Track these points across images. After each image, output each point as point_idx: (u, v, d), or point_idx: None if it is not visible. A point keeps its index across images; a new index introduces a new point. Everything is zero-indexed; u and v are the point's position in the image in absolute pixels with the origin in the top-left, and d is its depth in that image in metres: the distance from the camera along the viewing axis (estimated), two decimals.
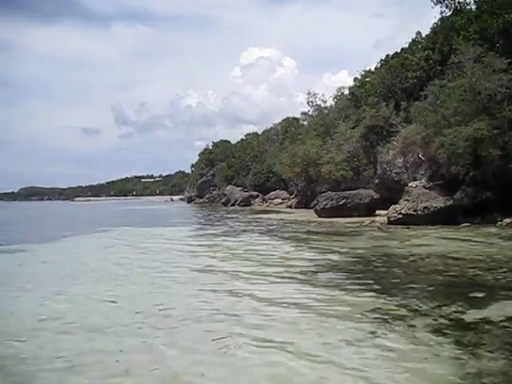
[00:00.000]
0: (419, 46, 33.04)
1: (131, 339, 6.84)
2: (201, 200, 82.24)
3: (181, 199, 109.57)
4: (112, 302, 9.17)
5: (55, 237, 23.21)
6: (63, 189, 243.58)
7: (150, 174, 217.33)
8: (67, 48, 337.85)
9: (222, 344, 6.41)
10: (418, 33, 34.76)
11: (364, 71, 40.42)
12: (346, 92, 44.75)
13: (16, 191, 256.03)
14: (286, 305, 8.47)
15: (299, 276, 11.10)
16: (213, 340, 6.58)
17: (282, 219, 32.00)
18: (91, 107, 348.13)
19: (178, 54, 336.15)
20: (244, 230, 24.50)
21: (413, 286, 9.74)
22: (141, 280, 11.39)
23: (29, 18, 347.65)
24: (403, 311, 7.79)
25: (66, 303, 9.17)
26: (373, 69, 39.58)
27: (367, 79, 38.78)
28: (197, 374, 5.50)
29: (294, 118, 62.87)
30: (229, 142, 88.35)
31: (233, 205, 61.72)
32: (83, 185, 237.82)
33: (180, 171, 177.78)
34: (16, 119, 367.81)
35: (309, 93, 49.91)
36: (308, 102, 50.55)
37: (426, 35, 33.54)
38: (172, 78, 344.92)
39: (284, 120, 67.09)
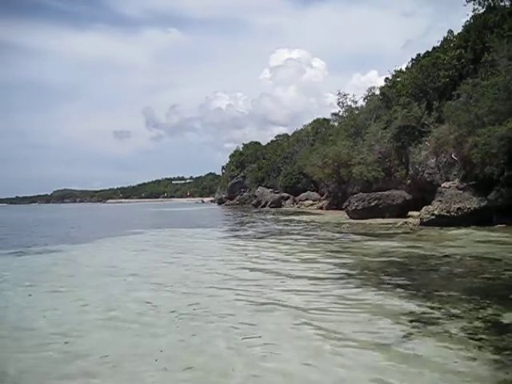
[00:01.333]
0: (451, 45, 32.60)
1: (172, 336, 7.01)
2: (231, 202, 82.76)
3: (211, 201, 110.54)
4: (147, 302, 9.33)
5: (89, 238, 23.70)
6: (95, 191, 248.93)
7: (180, 176, 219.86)
8: (99, 53, 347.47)
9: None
10: (450, 31, 34.28)
11: (395, 71, 40.07)
12: (377, 92, 44.52)
13: (50, 194, 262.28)
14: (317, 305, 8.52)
15: (333, 277, 11.16)
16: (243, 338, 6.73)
17: (313, 221, 31.95)
18: (122, 111, 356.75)
19: (208, 57, 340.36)
20: (278, 232, 24.59)
21: (447, 288, 9.63)
22: (178, 281, 11.49)
23: (62, 24, 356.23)
24: (437, 314, 7.72)
25: (107, 303, 9.37)
26: (404, 68, 39.22)
27: (398, 79, 38.43)
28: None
29: (325, 119, 62.79)
30: (259, 143, 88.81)
31: (263, 206, 61.90)
32: (115, 187, 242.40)
33: (210, 173, 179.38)
34: (50, 124, 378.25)
35: (339, 93, 49.74)
36: (338, 103, 50.40)
37: (458, 33, 33.06)
38: (202, 80, 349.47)
39: (314, 121, 67.05)
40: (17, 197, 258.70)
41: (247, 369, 5.71)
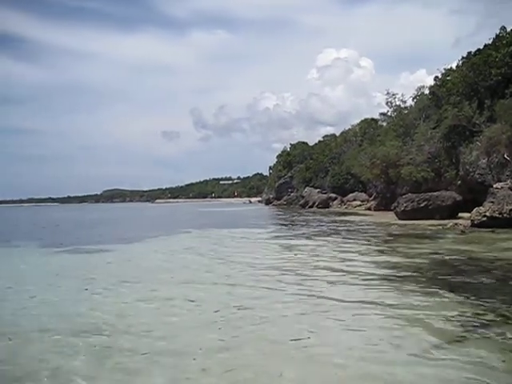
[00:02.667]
0: (503, 42, 31.85)
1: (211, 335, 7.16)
2: (279, 202, 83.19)
3: (259, 201, 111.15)
4: (191, 301, 9.51)
5: (140, 237, 24.47)
6: (144, 191, 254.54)
7: (228, 176, 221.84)
8: (148, 55, 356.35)
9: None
10: (503, 28, 33.44)
11: (445, 69, 39.45)
12: (426, 91, 43.86)
13: (100, 193, 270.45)
14: (372, 305, 8.60)
15: (384, 278, 11.20)
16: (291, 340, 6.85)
17: (361, 221, 31.94)
18: (171, 111, 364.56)
19: (256, 58, 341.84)
20: (325, 232, 24.63)
21: (501, 291, 9.41)
22: (222, 281, 11.62)
23: (112, 27, 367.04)
24: (491, 316, 7.58)
25: (151, 301, 9.63)
26: (454, 67, 38.55)
27: (448, 78, 37.79)
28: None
29: (373, 119, 62.22)
30: (306, 143, 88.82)
31: (311, 207, 62.00)
32: (163, 187, 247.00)
33: (258, 173, 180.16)
34: (101, 125, 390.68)
35: (388, 93, 49.28)
36: (387, 103, 49.92)
37: (511, 30, 32.30)
38: (250, 81, 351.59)
39: (362, 121, 66.55)
40: (68, 196, 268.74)
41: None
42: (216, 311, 8.60)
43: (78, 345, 6.80)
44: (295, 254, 16.13)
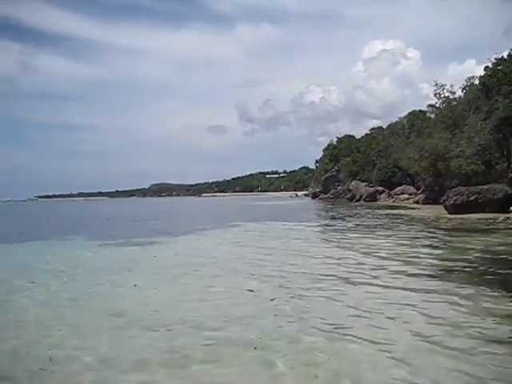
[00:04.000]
0: None
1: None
2: (325, 195, 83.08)
3: (305, 195, 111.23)
4: (249, 290, 9.87)
5: (189, 231, 25.08)
6: (191, 185, 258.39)
7: (274, 170, 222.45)
8: (195, 50, 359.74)
9: None
10: None
11: (496, 59, 38.36)
12: (476, 82, 42.85)
13: (147, 187, 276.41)
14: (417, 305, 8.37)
15: (433, 273, 11.11)
16: None
17: (409, 215, 31.68)
18: (217, 106, 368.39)
19: (301, 51, 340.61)
20: (374, 226, 24.49)
21: None
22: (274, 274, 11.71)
23: (159, 24, 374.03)
24: None
25: (207, 294, 9.82)
26: (505, 56, 37.51)
27: (499, 67, 36.86)
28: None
29: (420, 111, 61.17)
30: (353, 136, 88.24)
31: (358, 200, 61.73)
32: (209, 181, 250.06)
33: (304, 167, 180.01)
34: (148, 120, 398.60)
35: (436, 84, 48.27)
36: (435, 94, 48.92)
37: None
38: (295, 74, 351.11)
39: (409, 113, 65.55)
40: (116, 190, 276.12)
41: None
42: (272, 299, 8.98)
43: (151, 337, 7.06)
44: (346, 250, 15.88)
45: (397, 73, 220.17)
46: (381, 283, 10.23)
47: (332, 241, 18.83)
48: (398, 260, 13.30)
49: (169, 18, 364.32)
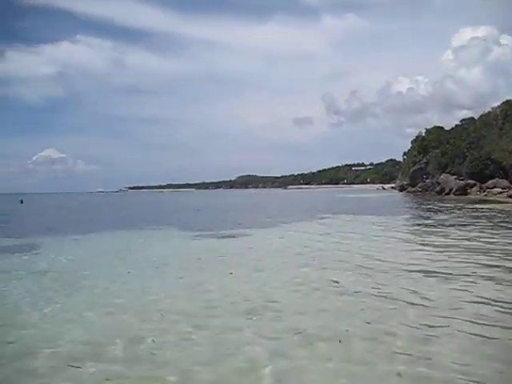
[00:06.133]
0: None
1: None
2: (413, 189, 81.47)
3: (392, 188, 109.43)
4: (335, 282, 10.07)
5: (275, 223, 25.59)
6: (276, 177, 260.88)
7: (360, 162, 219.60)
8: (280, 42, 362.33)
9: None
10: None
11: None
12: None
13: (233, 179, 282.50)
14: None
15: None
16: None
17: (503, 210, 30.75)
18: (303, 98, 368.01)
19: (387, 41, 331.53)
20: (469, 221, 23.47)
21: None
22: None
23: (244, 17, 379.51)
24: None
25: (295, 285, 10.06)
26: None
27: None
28: None
29: None
30: (442, 128, 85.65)
31: (447, 194, 60.37)
32: (295, 173, 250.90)
33: (391, 159, 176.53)
34: (234, 113, 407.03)
35: None
36: None
37: None
38: (381, 64, 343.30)
39: (503, 103, 62.89)
40: (203, 182, 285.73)
41: None
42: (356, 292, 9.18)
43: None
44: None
45: (489, 61, 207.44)
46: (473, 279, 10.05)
47: (428, 237, 18.13)
48: (489, 258, 12.68)
49: (253, 11, 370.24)
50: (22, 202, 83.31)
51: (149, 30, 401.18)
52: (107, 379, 5.46)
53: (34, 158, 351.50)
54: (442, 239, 17.09)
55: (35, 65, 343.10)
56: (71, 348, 6.50)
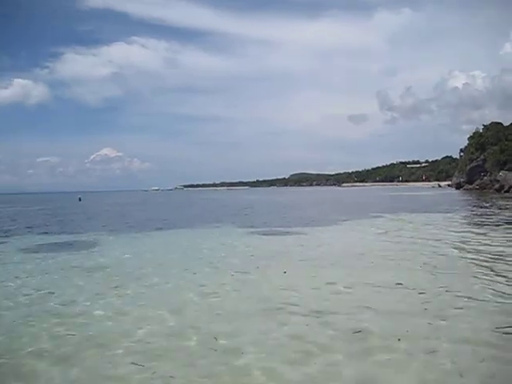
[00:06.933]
0: None
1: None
2: (470, 186, 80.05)
3: (448, 185, 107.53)
4: (399, 284, 9.47)
5: (332, 221, 25.37)
6: (330, 174, 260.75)
7: (415, 159, 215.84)
8: (333, 39, 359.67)
9: None
10: None
11: None
12: None
13: (287, 177, 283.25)
14: None
15: None
16: None
17: None
18: (357, 95, 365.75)
19: (443, 35, 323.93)
20: None
21: None
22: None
23: (296, 14, 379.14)
24: None
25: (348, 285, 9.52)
26: None
27: None
28: None
29: None
30: (501, 124, 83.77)
31: (506, 191, 59.26)
32: (349, 170, 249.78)
33: (447, 156, 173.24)
34: (288, 111, 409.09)
35: None
36: None
37: None
38: (437, 60, 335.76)
39: None
40: (257, 180, 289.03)
41: None
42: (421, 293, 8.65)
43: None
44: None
45: None
46: None
47: (494, 234, 17.47)
48: None
49: (305, 8, 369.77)
50: (80, 200, 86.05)
51: (201, 30, 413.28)
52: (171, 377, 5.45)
53: (92, 157, 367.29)
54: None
55: (92, 66, 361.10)
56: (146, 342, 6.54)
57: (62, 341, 6.68)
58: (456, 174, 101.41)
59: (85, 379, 5.41)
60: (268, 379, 5.25)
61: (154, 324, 7.32)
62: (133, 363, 5.76)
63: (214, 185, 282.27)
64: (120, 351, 6.20)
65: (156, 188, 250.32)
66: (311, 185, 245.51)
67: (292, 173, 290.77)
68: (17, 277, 11.43)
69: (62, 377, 5.46)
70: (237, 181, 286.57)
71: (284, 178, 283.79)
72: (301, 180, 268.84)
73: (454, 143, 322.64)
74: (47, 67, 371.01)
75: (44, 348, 6.40)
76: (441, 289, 8.90)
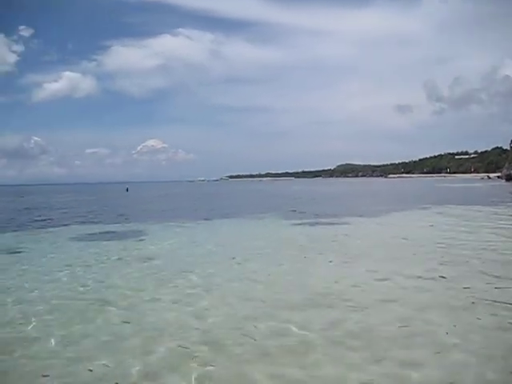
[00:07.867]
0: None
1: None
2: None
3: (498, 177, 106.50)
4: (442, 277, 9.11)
5: (376, 211, 25.41)
6: (376, 165, 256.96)
7: (463, 150, 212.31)
8: (380, 28, 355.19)
9: None
10: None
11: None
12: None
13: (333, 168, 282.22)
14: None
15: None
16: None
17: None
18: (403, 85, 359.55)
19: (493, 22, 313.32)
20: None
21: None
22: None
23: (343, 4, 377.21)
24: None
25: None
26: None
27: None
28: None
29: None
30: None
31: None
32: (396, 162, 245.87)
33: (497, 147, 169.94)
34: (335, 100, 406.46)
35: None
36: None
37: None
38: (487, 48, 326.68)
39: None
40: (302, 171, 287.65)
41: None
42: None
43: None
44: None
45: None
46: None
47: None
48: None
49: None
50: (127, 191, 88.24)
51: (247, 21, 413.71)
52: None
53: (139, 148, 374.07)
54: None
55: (139, 58, 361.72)
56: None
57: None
58: (506, 165, 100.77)
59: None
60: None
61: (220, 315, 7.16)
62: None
63: (260, 175, 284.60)
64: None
65: (202, 179, 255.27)
66: (357, 176, 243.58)
67: (338, 163, 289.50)
68: (72, 265, 11.48)
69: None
70: (282, 172, 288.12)
71: (329, 169, 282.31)
72: (346, 171, 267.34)
73: (504, 133, 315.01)
74: (95, 60, 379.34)
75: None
76: (486, 285, 8.43)
